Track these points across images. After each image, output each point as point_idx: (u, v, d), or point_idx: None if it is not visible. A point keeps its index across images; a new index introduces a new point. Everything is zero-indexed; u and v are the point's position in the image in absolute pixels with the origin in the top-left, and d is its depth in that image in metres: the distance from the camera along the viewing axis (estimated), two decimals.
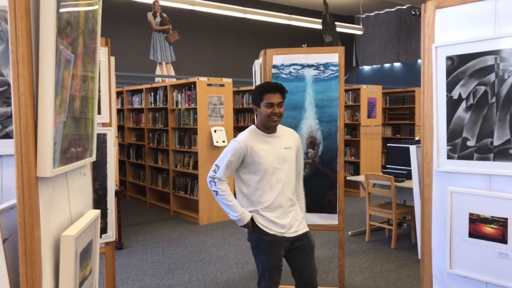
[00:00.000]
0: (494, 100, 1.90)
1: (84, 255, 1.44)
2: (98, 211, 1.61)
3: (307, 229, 2.65)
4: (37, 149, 1.17)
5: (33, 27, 1.17)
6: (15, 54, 1.11)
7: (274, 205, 2.53)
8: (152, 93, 7.32)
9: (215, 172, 2.56)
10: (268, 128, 2.55)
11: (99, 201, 2.93)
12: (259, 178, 2.52)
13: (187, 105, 6.42)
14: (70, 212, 1.46)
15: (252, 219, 2.53)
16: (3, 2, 1.60)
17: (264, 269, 2.56)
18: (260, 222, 2.54)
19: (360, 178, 5.64)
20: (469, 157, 1.98)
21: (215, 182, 2.56)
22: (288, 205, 2.57)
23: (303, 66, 3.51)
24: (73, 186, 1.50)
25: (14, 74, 1.12)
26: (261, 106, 2.50)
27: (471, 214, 1.99)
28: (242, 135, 2.58)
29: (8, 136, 1.70)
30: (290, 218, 2.56)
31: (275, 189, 2.52)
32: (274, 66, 3.52)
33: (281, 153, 2.55)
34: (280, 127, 2.63)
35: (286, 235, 2.54)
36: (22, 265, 1.13)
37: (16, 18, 1.11)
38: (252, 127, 2.61)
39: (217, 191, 2.55)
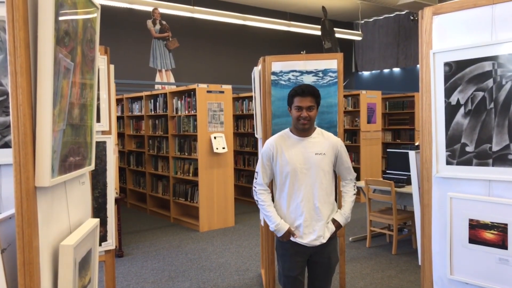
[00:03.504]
0: (492, 105, 1.90)
1: (83, 265, 1.44)
2: (97, 220, 1.60)
3: (325, 240, 2.50)
4: (35, 159, 1.17)
5: (32, 37, 1.17)
6: (14, 64, 1.12)
7: (298, 211, 2.47)
8: (152, 100, 7.34)
9: (256, 178, 2.60)
10: (299, 130, 2.52)
11: (99, 209, 2.93)
12: (283, 180, 2.50)
13: (187, 112, 6.43)
14: (69, 221, 1.46)
15: (290, 230, 2.47)
16: (2, 12, 1.61)
17: (280, 275, 2.61)
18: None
19: (360, 183, 5.63)
20: (468, 162, 1.98)
21: (256, 191, 2.59)
22: (314, 213, 2.47)
23: (302, 72, 3.52)
24: (72, 195, 1.50)
25: (13, 85, 1.12)
26: (292, 109, 2.49)
27: (471, 220, 1.98)
28: (273, 136, 2.62)
29: (7, 145, 1.70)
30: (314, 227, 2.46)
31: (299, 193, 2.47)
32: (273, 73, 3.52)
33: (308, 157, 2.47)
34: (320, 132, 2.58)
35: (307, 244, 2.47)
36: (20, 276, 1.13)
37: (14, 29, 1.11)
38: (285, 130, 2.61)
39: (257, 201, 2.58)
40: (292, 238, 2.49)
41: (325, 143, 2.53)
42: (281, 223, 2.48)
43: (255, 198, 2.59)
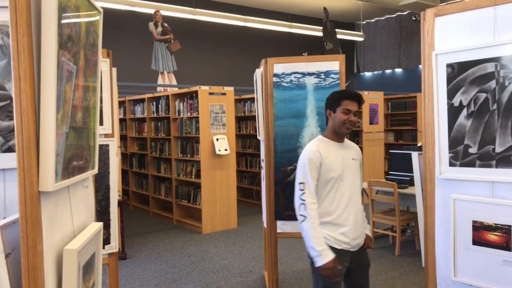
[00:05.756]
0: (495, 107, 1.90)
1: (87, 268, 1.44)
2: (100, 224, 1.61)
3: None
4: (39, 163, 1.17)
5: (35, 42, 1.18)
6: (17, 70, 1.12)
7: (344, 216, 2.39)
8: (154, 103, 7.35)
9: (303, 190, 2.36)
10: (339, 135, 2.47)
11: (102, 212, 2.93)
12: (330, 187, 2.39)
13: (189, 114, 6.44)
14: (73, 225, 1.46)
15: (335, 259, 2.26)
16: (5, 17, 1.62)
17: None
18: (327, 234, 2.36)
19: (363, 185, 5.62)
20: (471, 164, 1.98)
21: (305, 205, 2.33)
22: (358, 217, 2.44)
23: (304, 74, 3.52)
24: (76, 199, 1.50)
25: (16, 90, 1.13)
26: (337, 111, 2.41)
27: (474, 222, 1.98)
28: (312, 144, 2.47)
29: (10, 149, 1.70)
30: (359, 231, 2.45)
31: (343, 198, 2.40)
32: (275, 75, 3.53)
33: (349, 163, 2.45)
34: (345, 138, 2.56)
35: (351, 249, 2.41)
36: (25, 280, 1.13)
37: (17, 35, 1.12)
38: (319, 136, 2.53)
39: (305, 217, 2.31)
40: (337, 245, 2.36)
41: (355, 149, 2.55)
42: (328, 250, 2.27)
43: (302, 213, 2.33)
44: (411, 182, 5.09)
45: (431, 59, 2.09)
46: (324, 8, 10.16)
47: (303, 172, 2.39)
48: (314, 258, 2.26)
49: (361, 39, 12.12)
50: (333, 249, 2.32)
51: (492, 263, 1.93)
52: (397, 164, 5.55)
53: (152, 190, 7.57)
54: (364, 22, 13.01)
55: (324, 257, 2.24)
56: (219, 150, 6.11)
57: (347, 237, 2.37)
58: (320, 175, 2.39)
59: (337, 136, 2.47)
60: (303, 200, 2.33)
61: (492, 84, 1.90)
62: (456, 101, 2.01)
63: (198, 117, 6.13)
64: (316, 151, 2.40)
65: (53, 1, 1.19)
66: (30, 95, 1.14)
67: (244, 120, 8.25)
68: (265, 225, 3.81)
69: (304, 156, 2.43)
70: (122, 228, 5.12)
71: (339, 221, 2.38)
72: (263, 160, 3.82)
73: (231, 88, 6.41)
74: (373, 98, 8.09)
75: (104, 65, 2.90)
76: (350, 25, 13.10)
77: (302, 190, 2.36)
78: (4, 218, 1.46)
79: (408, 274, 4.34)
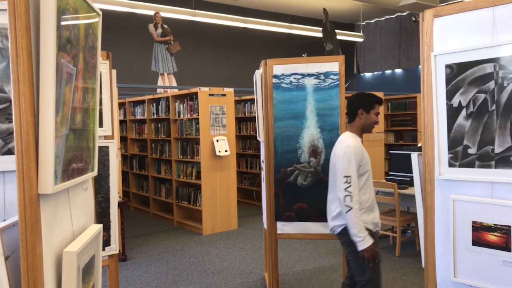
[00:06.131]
0: (494, 107, 1.90)
1: (87, 270, 1.44)
2: (100, 226, 1.61)
3: None
4: (38, 166, 1.17)
5: (34, 45, 1.18)
6: (16, 73, 1.13)
7: (373, 202, 2.71)
8: (154, 104, 7.36)
9: (349, 183, 2.54)
10: (364, 133, 2.80)
11: (102, 214, 2.93)
12: (365, 178, 2.67)
13: (189, 115, 6.45)
14: (72, 227, 1.46)
15: (375, 243, 2.59)
16: (4, 20, 1.62)
17: (371, 274, 2.65)
18: (364, 219, 2.62)
19: None
20: (470, 165, 1.98)
21: (351, 197, 2.53)
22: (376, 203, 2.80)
23: (303, 75, 3.52)
24: (75, 202, 1.50)
25: (15, 93, 1.13)
26: (371, 113, 2.76)
27: (474, 222, 1.98)
28: (350, 140, 2.67)
29: (10, 152, 1.71)
30: (380, 215, 2.80)
31: (371, 188, 2.73)
32: (275, 76, 3.53)
33: (368, 156, 2.75)
34: None
35: (377, 231, 2.76)
36: (24, 283, 1.13)
37: (16, 38, 1.12)
38: (349, 133, 2.76)
39: (351, 208, 2.52)
40: (374, 229, 2.68)
41: None
42: (369, 236, 2.58)
43: (349, 204, 2.53)
44: (411, 183, 5.09)
45: (430, 60, 2.09)
46: (324, 9, 10.17)
47: (348, 166, 2.58)
48: (358, 243, 2.55)
49: (361, 39, 12.13)
50: (369, 230, 2.62)
51: (492, 263, 1.92)
52: (397, 164, 5.55)
53: (153, 191, 7.57)
54: (364, 23, 13.02)
55: (367, 241, 2.55)
56: (219, 151, 6.11)
57: (377, 219, 2.72)
58: (360, 168, 2.63)
59: (361, 133, 2.79)
60: (350, 192, 2.54)
61: (491, 84, 1.90)
62: (455, 101, 2.01)
63: (198, 118, 6.14)
64: (359, 146, 2.67)
65: (52, 4, 1.19)
66: (29, 98, 1.14)
67: (244, 121, 8.26)
68: (265, 226, 3.81)
69: (348, 151, 2.61)
70: (122, 229, 5.12)
71: (371, 206, 2.69)
72: (263, 161, 3.83)
73: (231, 89, 6.42)
74: None
75: (103, 67, 2.90)
76: (350, 26, 13.11)
77: (349, 183, 2.55)
78: (4, 220, 1.46)
79: (409, 275, 4.33)
